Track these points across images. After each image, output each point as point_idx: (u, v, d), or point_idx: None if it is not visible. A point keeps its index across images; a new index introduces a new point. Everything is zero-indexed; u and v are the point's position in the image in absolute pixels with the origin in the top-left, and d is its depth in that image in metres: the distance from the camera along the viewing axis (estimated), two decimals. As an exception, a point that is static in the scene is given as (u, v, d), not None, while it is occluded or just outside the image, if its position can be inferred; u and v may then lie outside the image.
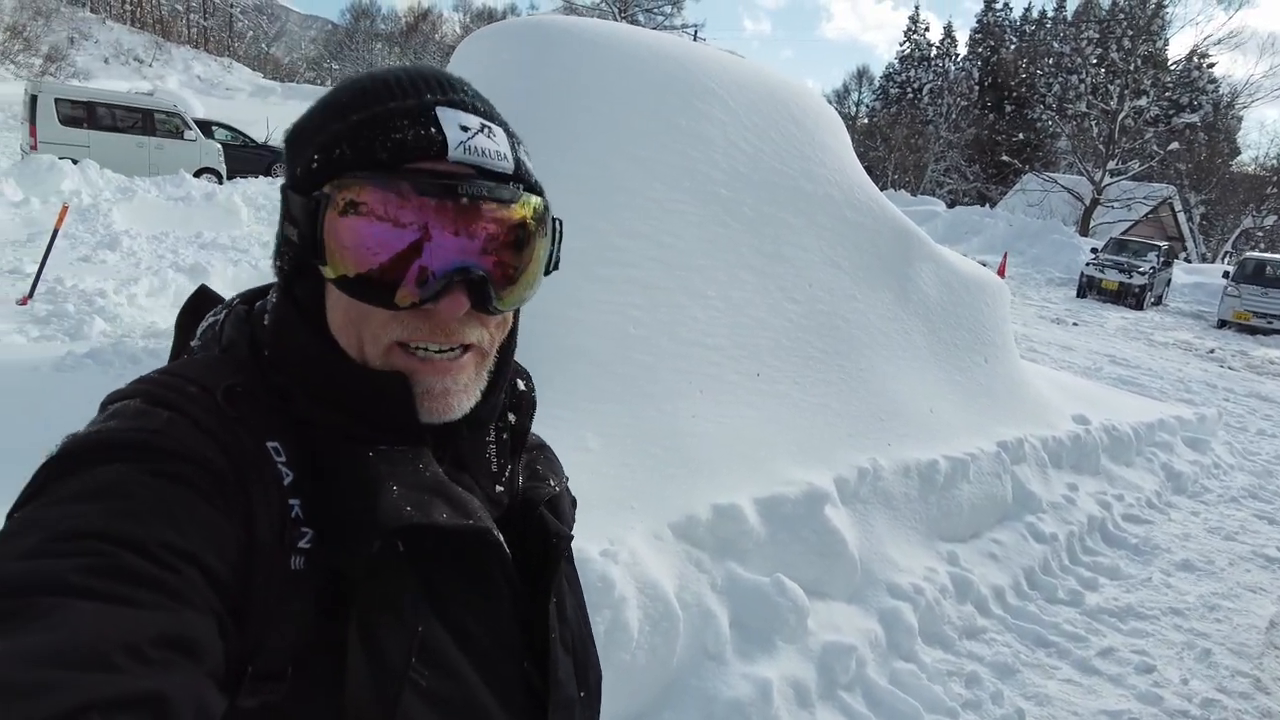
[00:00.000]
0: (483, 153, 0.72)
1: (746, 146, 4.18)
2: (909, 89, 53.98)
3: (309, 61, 64.86)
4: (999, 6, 53.02)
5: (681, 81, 4.12)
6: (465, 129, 0.72)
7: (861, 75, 64.24)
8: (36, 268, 7.14)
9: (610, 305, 3.49)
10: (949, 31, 55.50)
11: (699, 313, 3.74)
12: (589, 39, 4.07)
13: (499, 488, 0.84)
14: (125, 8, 49.52)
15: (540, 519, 0.85)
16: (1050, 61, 42.92)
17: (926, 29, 56.00)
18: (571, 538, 0.88)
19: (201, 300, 0.86)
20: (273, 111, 30.79)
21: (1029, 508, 4.68)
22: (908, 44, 55.74)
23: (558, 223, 0.81)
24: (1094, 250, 21.10)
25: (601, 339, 3.40)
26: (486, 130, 0.74)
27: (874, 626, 3.35)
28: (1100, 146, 32.07)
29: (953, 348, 5.03)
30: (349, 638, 0.64)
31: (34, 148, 14.33)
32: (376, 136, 0.70)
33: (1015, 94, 45.58)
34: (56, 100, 15.12)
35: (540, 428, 3.18)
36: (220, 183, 14.93)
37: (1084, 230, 29.98)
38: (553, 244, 0.80)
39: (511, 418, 0.89)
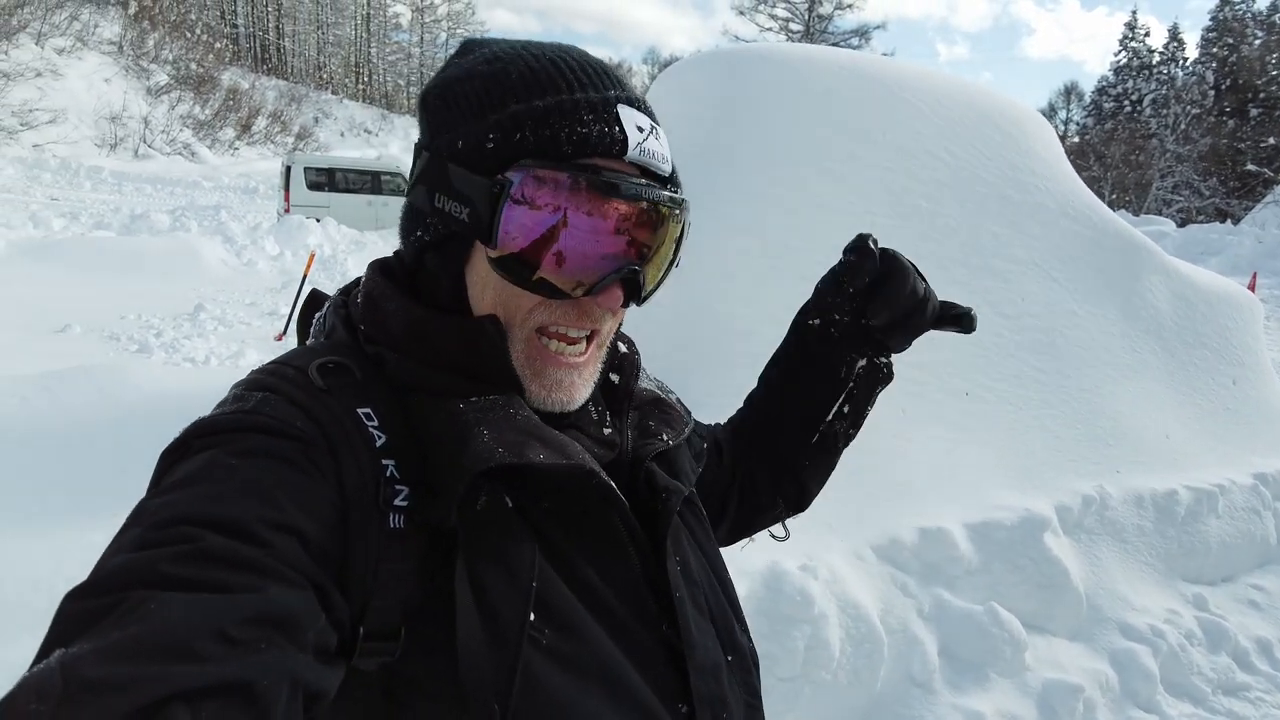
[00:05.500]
0: (652, 155, 0.74)
1: (946, 156, 4.02)
2: (1126, 101, 49.40)
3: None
4: (1238, 0, 47.44)
5: (875, 95, 4.05)
6: (641, 130, 0.73)
7: (1070, 92, 59.67)
8: (289, 309, 8.20)
9: (805, 322, 3.45)
10: (1175, 34, 50.37)
11: (898, 329, 3.61)
12: (780, 61, 4.12)
13: (607, 430, 0.83)
14: (358, 87, 56.22)
15: (649, 474, 0.83)
16: (1306, 55, 37.63)
17: (1146, 34, 51.19)
18: (683, 492, 0.84)
19: (315, 301, 0.89)
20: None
21: (1299, 551, 4.04)
22: (1124, 53, 51.19)
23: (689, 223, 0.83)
24: (1372, 266, 18.04)
25: (796, 355, 3.36)
26: (655, 132, 0.75)
27: (1104, 668, 3.02)
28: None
29: (1191, 367, 4.49)
30: (457, 594, 0.63)
31: (287, 210, 16.50)
32: (563, 127, 0.70)
33: (1263, 94, 40.36)
34: (305, 169, 17.37)
35: None
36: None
37: (1358, 244, 25.71)
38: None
39: (614, 378, 0.88)
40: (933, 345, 3.75)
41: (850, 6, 43.23)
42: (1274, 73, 39.42)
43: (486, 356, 0.73)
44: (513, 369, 0.74)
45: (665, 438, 0.87)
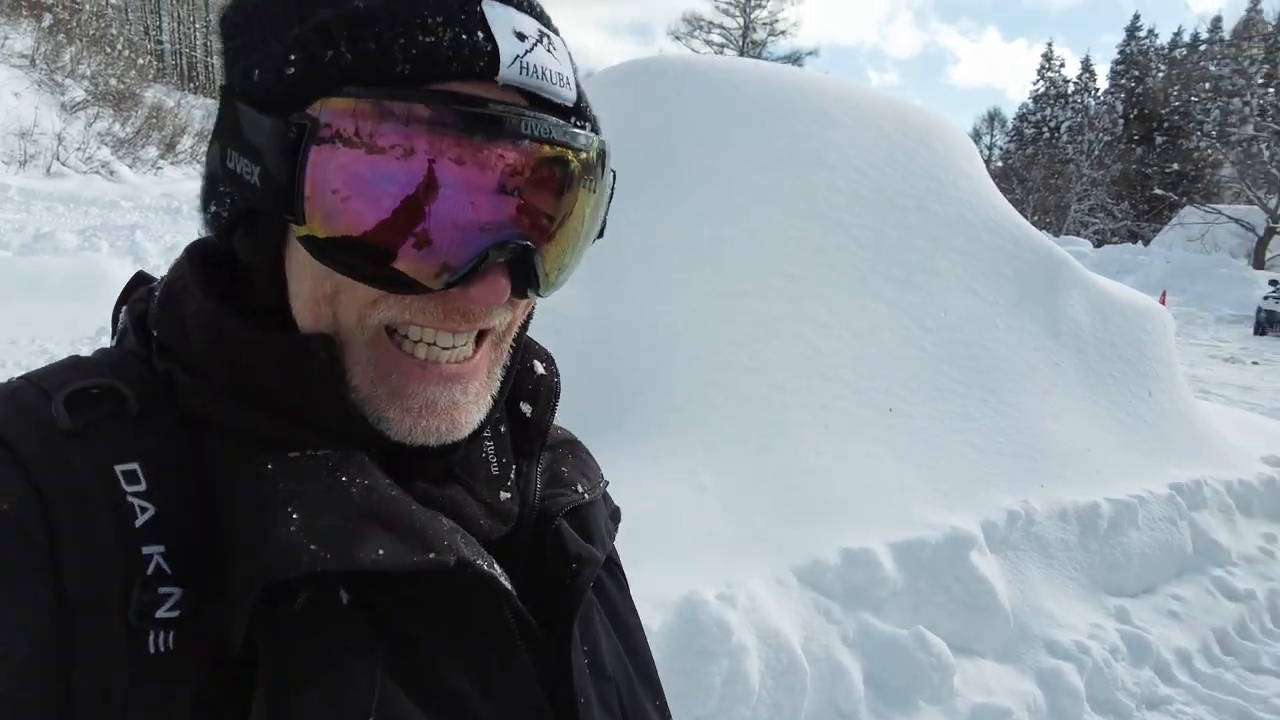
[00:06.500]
0: (543, 74, 0.51)
1: (870, 170, 4.00)
2: (1045, 128, 51.65)
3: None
4: (1143, 35, 50.20)
5: (800, 108, 4.01)
6: (521, 37, 0.51)
7: (993, 118, 62.05)
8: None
9: (725, 336, 3.35)
10: (1087, 65, 52.94)
11: (822, 343, 3.53)
12: (705, 73, 4.05)
13: (505, 494, 0.62)
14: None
15: (556, 536, 0.63)
16: (1206, 86, 39.96)
17: (1061, 65, 53.74)
18: (599, 561, 0.65)
19: (135, 288, 0.64)
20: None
21: (1214, 560, 4.08)
22: (1041, 82, 53.57)
23: (613, 174, 0.61)
24: (1273, 283, 19.08)
25: (716, 371, 3.25)
26: (546, 41, 0.53)
27: (1031, 689, 2.95)
28: (1273, 171, 29.35)
29: (1110, 380, 4.55)
30: None
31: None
32: (395, 38, 0.48)
33: (1167, 123, 42.62)
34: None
35: (650, 463, 3.01)
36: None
37: (1259, 263, 27.30)
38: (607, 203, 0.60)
39: (525, 409, 0.68)
40: (854, 360, 3.69)
41: (784, 33, 44.28)
42: (1176, 103, 41.70)
43: (312, 392, 0.52)
44: (351, 408, 0.52)
45: (581, 489, 0.68)
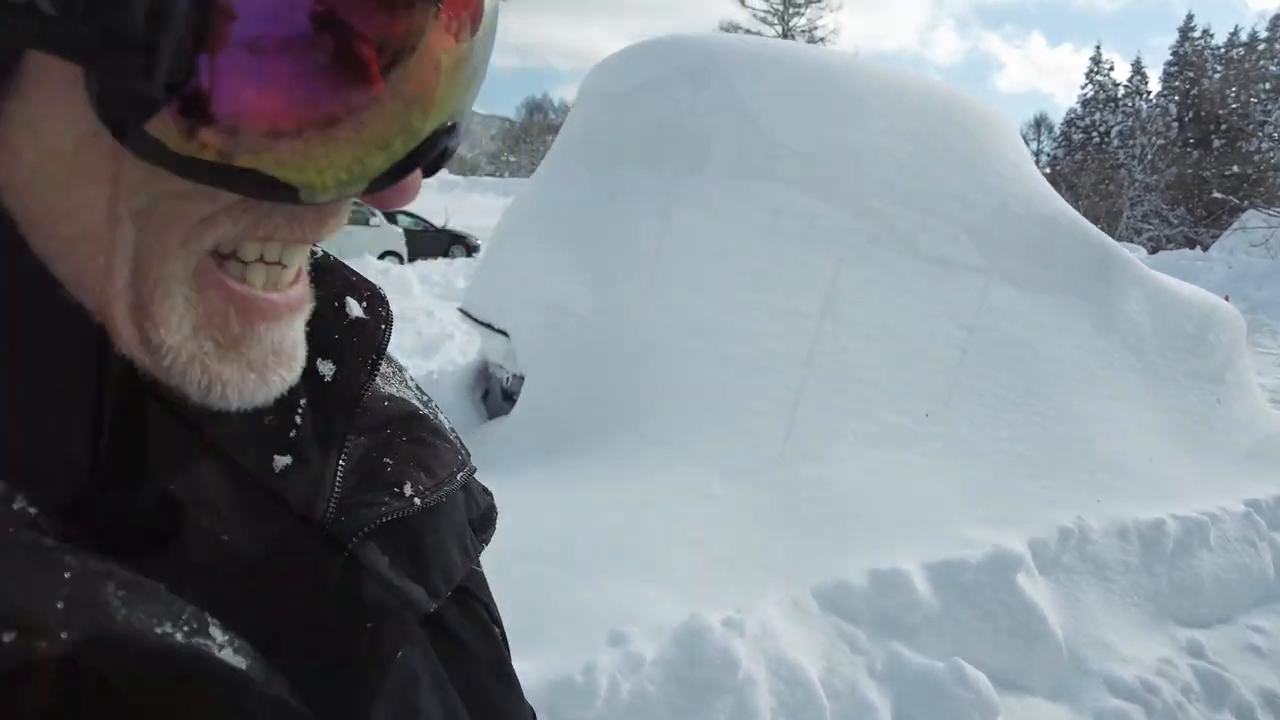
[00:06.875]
0: None
1: (901, 155, 3.68)
2: (1094, 133, 50.31)
3: (489, 156, 70.37)
4: (1197, 35, 48.65)
5: (825, 89, 3.72)
6: None
7: (1040, 124, 60.70)
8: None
9: (742, 333, 3.06)
10: (1138, 68, 51.51)
11: (849, 342, 3.22)
12: (726, 52, 3.78)
13: (281, 459, 0.39)
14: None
15: (349, 571, 0.39)
16: (1267, 86, 38.51)
17: (1110, 69, 52.38)
18: (424, 605, 0.42)
19: None
20: (455, 202, 33.43)
21: (1299, 586, 3.65)
22: (1090, 86, 52.25)
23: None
24: (1343, 289, 18.09)
25: (731, 371, 2.97)
26: None
27: (1091, 734, 2.59)
28: (1339, 173, 28.09)
29: (1173, 384, 4.14)
30: None
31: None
32: None
33: (1225, 125, 41.18)
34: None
35: (655, 469, 2.60)
36: (402, 263, 16.02)
37: (1327, 269, 26.03)
38: None
39: (325, 369, 0.42)
40: (886, 361, 3.36)
41: (823, 40, 43.86)
42: (1234, 104, 40.31)
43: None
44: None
45: (409, 491, 0.44)
